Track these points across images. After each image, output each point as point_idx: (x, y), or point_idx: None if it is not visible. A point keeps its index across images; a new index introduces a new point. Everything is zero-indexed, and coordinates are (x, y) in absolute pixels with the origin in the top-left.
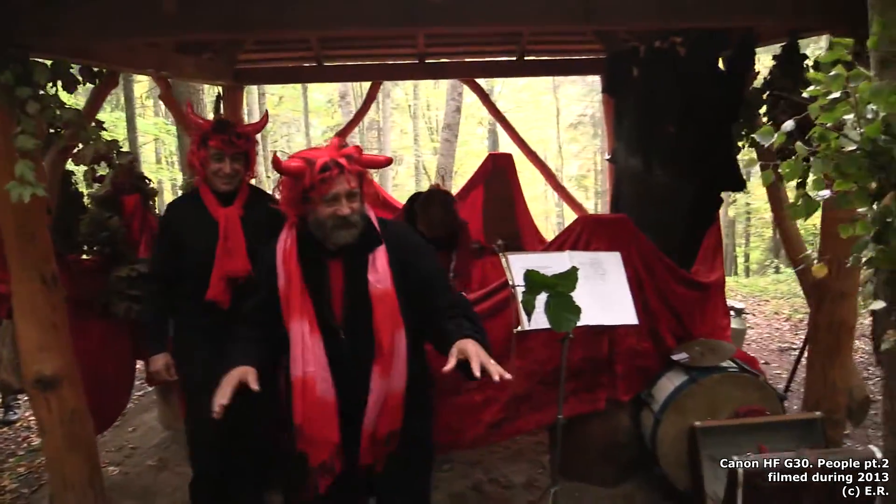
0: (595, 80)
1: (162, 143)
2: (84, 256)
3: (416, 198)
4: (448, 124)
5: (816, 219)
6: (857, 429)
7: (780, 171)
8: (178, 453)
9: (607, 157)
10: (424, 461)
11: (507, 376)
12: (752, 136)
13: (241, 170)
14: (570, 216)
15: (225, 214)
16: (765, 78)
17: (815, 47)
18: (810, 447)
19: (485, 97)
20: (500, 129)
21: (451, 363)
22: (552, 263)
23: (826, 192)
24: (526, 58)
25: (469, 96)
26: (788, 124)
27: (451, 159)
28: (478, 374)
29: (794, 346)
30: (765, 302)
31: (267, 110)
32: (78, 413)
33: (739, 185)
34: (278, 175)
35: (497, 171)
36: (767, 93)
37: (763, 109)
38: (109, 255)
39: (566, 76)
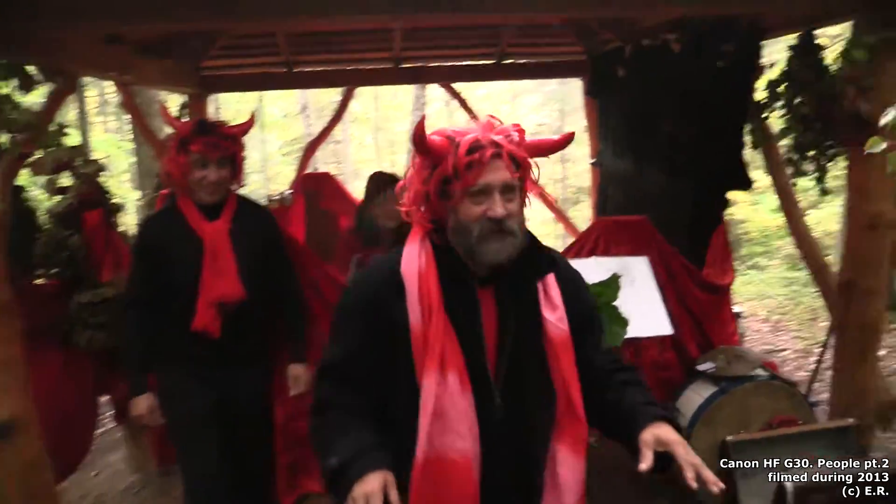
0: (553, 90)
1: (111, 161)
2: (40, 280)
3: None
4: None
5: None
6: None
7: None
8: (150, 500)
9: (591, 161)
10: None
11: (722, 486)
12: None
13: (228, 177)
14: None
15: (211, 230)
16: (783, 70)
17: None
18: (846, 456)
19: (463, 102)
20: None
21: (648, 459)
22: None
23: None
24: (505, 61)
25: (431, 107)
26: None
27: None
28: (695, 485)
29: (778, 349)
30: (737, 304)
31: (253, 112)
32: (36, 462)
33: (746, 183)
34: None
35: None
36: (784, 84)
37: (780, 103)
38: (70, 279)
39: (544, 79)
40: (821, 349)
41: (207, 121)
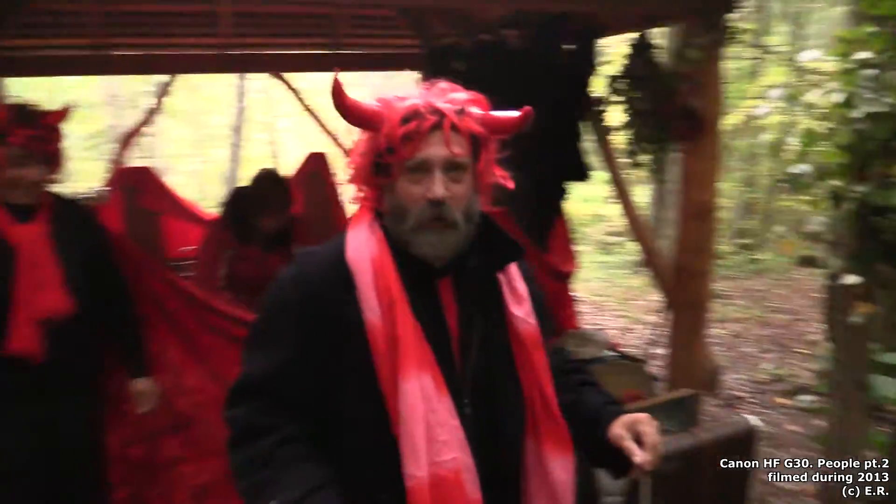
0: (380, 83)
1: None
2: None
3: (242, 191)
4: (236, 128)
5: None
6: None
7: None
8: None
9: None
10: None
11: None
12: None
13: (48, 174)
14: None
15: (26, 235)
16: (622, 67)
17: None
18: (687, 425)
19: (295, 93)
20: (280, 136)
21: (638, 452)
22: None
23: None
24: (340, 51)
25: (251, 97)
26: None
27: (237, 164)
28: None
29: (601, 327)
30: None
31: (67, 102)
32: None
33: (585, 175)
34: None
35: (314, 172)
36: (624, 81)
37: (620, 99)
38: None
39: (381, 71)
40: (654, 327)
41: (29, 107)
